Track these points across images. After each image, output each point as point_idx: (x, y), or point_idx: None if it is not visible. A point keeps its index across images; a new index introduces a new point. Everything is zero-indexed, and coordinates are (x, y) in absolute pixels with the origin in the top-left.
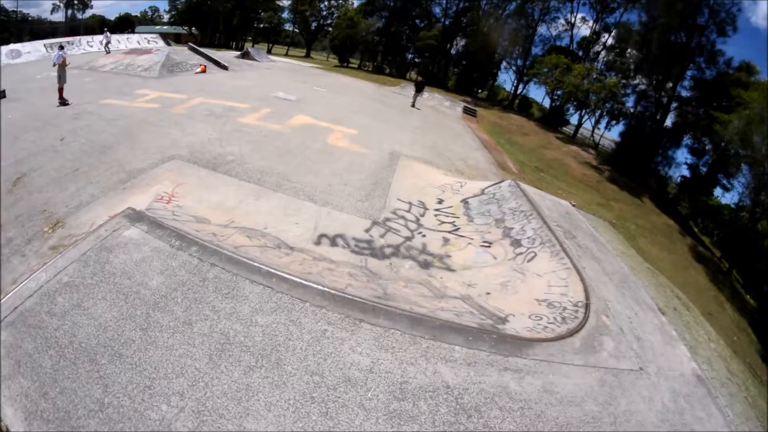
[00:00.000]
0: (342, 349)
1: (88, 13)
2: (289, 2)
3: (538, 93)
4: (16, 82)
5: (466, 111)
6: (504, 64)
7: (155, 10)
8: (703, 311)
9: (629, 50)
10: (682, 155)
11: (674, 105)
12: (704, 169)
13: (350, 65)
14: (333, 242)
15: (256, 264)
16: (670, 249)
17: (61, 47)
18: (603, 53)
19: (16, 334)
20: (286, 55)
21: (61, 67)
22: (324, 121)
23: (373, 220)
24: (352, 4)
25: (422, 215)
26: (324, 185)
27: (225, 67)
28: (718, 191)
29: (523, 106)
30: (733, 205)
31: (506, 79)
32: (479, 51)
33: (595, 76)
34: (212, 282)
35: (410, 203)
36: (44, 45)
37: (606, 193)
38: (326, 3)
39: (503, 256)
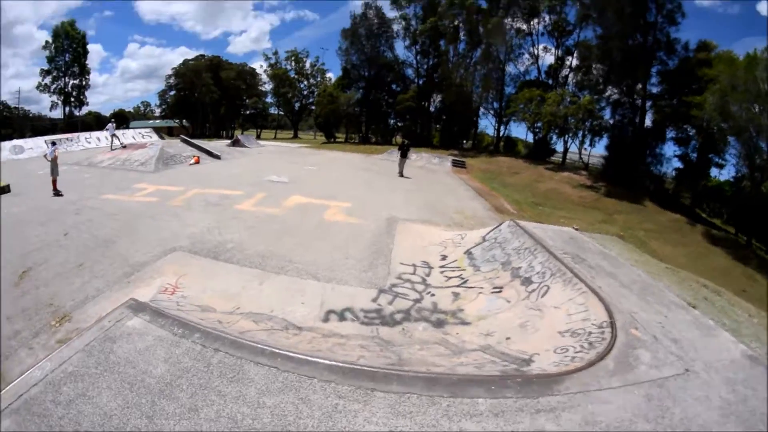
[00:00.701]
0: (356, 421)
1: (85, 110)
2: (271, 87)
3: (520, 130)
4: (20, 177)
5: (455, 164)
6: (482, 110)
7: (147, 105)
8: (735, 291)
9: (594, 65)
10: (670, 149)
11: (649, 104)
12: (694, 155)
13: (337, 140)
14: (341, 317)
15: (259, 346)
16: (684, 242)
17: (53, 143)
18: (570, 75)
19: (20, 421)
20: (275, 138)
21: (54, 161)
22: (318, 198)
23: (379, 289)
24: (330, 80)
25: (428, 275)
26: (326, 261)
27: (217, 156)
28: (714, 171)
29: (508, 147)
30: (731, 179)
31: (487, 125)
32: (456, 102)
33: (568, 99)
34: (217, 367)
35: (414, 265)
36: (44, 141)
37: (606, 208)
38: (306, 83)
39: (516, 297)
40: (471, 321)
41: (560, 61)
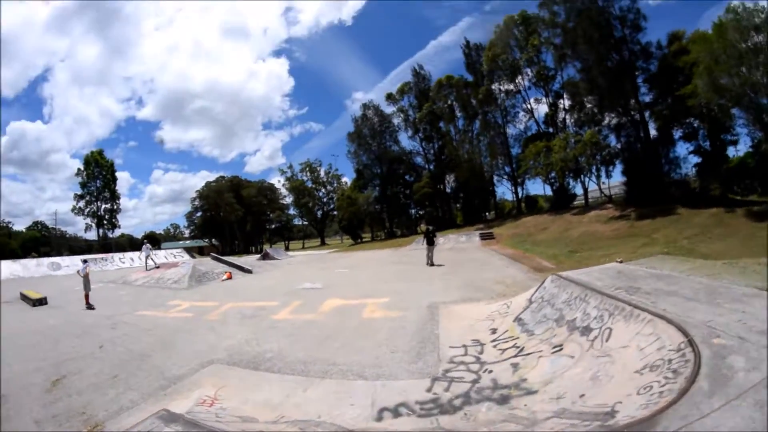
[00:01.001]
0: None
1: (118, 232)
2: (291, 199)
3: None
4: (57, 292)
5: (483, 237)
6: (495, 177)
7: (176, 227)
8: None
9: (585, 99)
10: (682, 149)
11: (648, 114)
12: (707, 144)
13: (364, 240)
14: (396, 413)
15: None
16: (730, 232)
17: (85, 261)
18: (567, 117)
19: None
20: (303, 247)
21: (86, 277)
22: (354, 298)
23: (432, 377)
24: (346, 183)
25: (481, 352)
26: (371, 359)
27: (249, 271)
28: (731, 151)
29: (530, 206)
30: (750, 149)
31: (504, 191)
32: (470, 178)
33: (573, 140)
34: None
35: (465, 346)
36: (80, 260)
37: (643, 231)
38: (323, 190)
39: (579, 350)
40: (537, 389)
41: (553, 107)
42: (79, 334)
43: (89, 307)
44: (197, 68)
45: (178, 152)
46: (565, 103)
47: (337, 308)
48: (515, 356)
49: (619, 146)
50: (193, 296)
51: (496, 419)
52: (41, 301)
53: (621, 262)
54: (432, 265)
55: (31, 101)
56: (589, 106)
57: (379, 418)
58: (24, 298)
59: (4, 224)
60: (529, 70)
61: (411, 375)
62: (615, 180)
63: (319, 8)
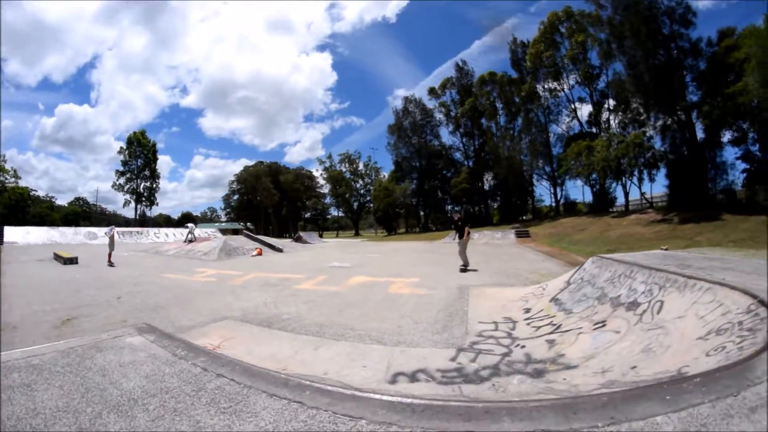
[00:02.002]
0: None
1: (156, 211)
2: (329, 188)
3: (576, 191)
4: (89, 255)
5: (519, 234)
6: (535, 177)
7: (213, 210)
8: None
9: (630, 98)
10: (730, 155)
11: (694, 115)
12: (755, 149)
13: (398, 232)
14: (413, 378)
15: (282, 375)
16: None
17: (110, 224)
18: (611, 118)
19: None
20: (336, 236)
21: (111, 239)
22: (382, 277)
23: (458, 348)
24: (384, 177)
25: (513, 329)
26: (393, 328)
27: (280, 250)
28: None
29: (568, 209)
30: None
31: (543, 192)
32: (509, 176)
33: (616, 141)
34: (209, 393)
35: (495, 322)
36: (116, 232)
37: (685, 235)
38: (361, 182)
39: (626, 325)
40: (577, 363)
41: (597, 106)
42: (100, 287)
43: (110, 264)
44: (241, 59)
45: (219, 139)
46: (610, 103)
47: (363, 283)
48: (551, 333)
49: (663, 149)
50: (220, 266)
51: (530, 392)
52: (72, 260)
53: (666, 249)
54: (465, 270)
55: (79, 86)
56: (634, 105)
57: (393, 381)
58: (56, 257)
59: (47, 198)
60: (573, 68)
61: (435, 345)
62: (657, 190)
63: (364, 5)
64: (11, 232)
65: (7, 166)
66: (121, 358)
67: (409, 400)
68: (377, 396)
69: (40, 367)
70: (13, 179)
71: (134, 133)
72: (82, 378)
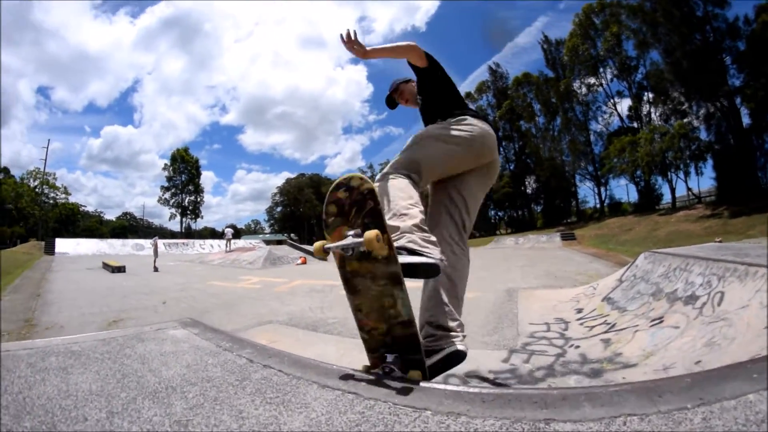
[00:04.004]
0: None
1: (201, 224)
2: None
3: (620, 190)
4: (137, 264)
5: (564, 237)
6: (578, 177)
7: (257, 222)
8: None
9: (669, 87)
10: None
11: (738, 100)
12: None
13: None
14: (464, 381)
15: (336, 367)
16: None
17: (155, 236)
18: (652, 110)
19: None
20: None
21: (155, 247)
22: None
23: (509, 349)
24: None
25: (565, 329)
26: None
27: (323, 258)
28: None
29: (613, 209)
30: None
31: (586, 193)
32: (551, 177)
33: (659, 134)
34: (255, 383)
35: (546, 323)
36: (163, 243)
37: (737, 229)
38: None
39: (685, 320)
40: (636, 362)
41: (637, 99)
42: (147, 293)
43: (155, 269)
44: (277, 76)
45: (260, 154)
46: (649, 95)
47: (410, 288)
48: (606, 332)
49: (709, 139)
50: (265, 274)
51: None
52: (120, 269)
53: (720, 242)
54: None
55: (122, 109)
56: (675, 95)
57: (444, 383)
58: (105, 266)
59: (96, 213)
60: (610, 61)
61: (485, 346)
62: (704, 184)
63: (393, 15)
64: (62, 244)
65: (58, 184)
66: (162, 348)
67: (476, 390)
68: (441, 386)
69: (78, 353)
70: (63, 196)
71: (177, 150)
72: (119, 365)
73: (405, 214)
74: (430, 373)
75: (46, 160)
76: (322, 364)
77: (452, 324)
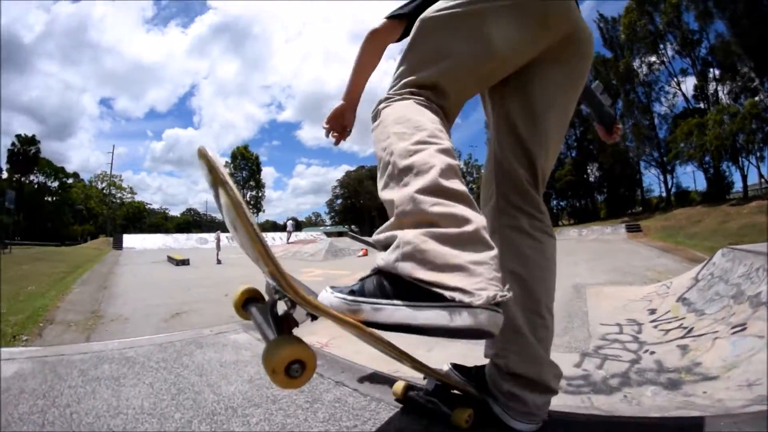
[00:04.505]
0: None
1: (262, 217)
2: None
3: (686, 178)
4: (200, 258)
5: (629, 229)
6: (643, 164)
7: (317, 215)
8: None
9: (737, 61)
10: None
11: None
12: None
13: None
14: None
15: (419, 384)
16: None
17: (218, 230)
18: (719, 88)
19: (33, 370)
20: None
21: (218, 241)
22: None
23: (582, 352)
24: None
25: (639, 332)
26: None
27: None
28: None
29: (680, 198)
30: None
31: (651, 181)
32: (615, 164)
33: (728, 115)
34: (327, 407)
35: (619, 324)
36: (226, 237)
37: None
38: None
39: None
40: (717, 374)
41: (703, 76)
42: (209, 285)
43: (218, 262)
44: (330, 72)
45: (318, 148)
46: (716, 72)
47: None
48: (682, 337)
49: None
50: (327, 266)
51: (669, 406)
52: (184, 262)
53: None
54: None
55: (182, 113)
56: (744, 70)
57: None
58: (170, 259)
59: (162, 210)
60: (670, 36)
61: (557, 348)
62: None
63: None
64: (130, 239)
65: (124, 185)
66: (222, 356)
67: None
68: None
69: (133, 360)
70: (129, 195)
71: (237, 147)
72: (176, 376)
73: (406, 172)
74: None
75: (111, 163)
76: (405, 380)
77: (548, 380)
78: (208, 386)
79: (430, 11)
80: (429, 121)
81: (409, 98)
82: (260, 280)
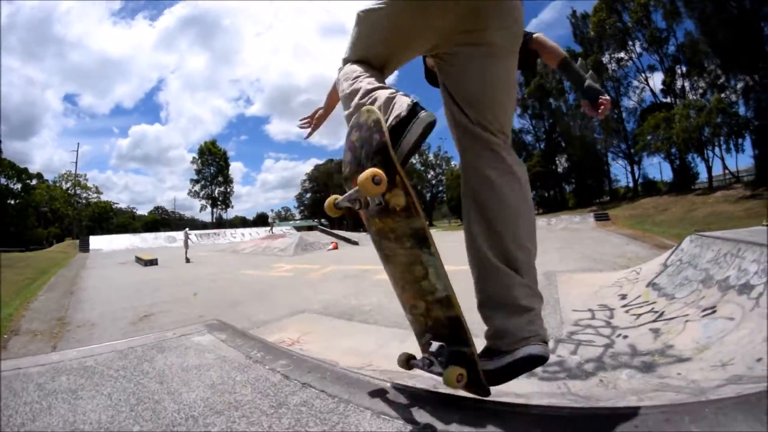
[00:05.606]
0: None
1: (231, 213)
2: None
3: (653, 168)
4: (169, 257)
5: (598, 218)
6: (611, 156)
7: (287, 209)
8: None
9: (704, 60)
10: None
11: None
12: None
13: None
14: None
15: (390, 384)
16: None
17: (186, 228)
18: (686, 84)
19: None
20: None
21: (186, 239)
22: (463, 264)
23: (555, 339)
24: (455, 166)
25: (611, 317)
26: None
27: (355, 243)
28: None
29: (647, 188)
30: None
31: (618, 172)
32: (583, 156)
33: (694, 110)
34: (293, 411)
35: (590, 310)
36: (194, 234)
37: None
38: (432, 172)
39: (741, 311)
40: (690, 355)
41: (670, 73)
42: (178, 285)
43: (187, 260)
44: (300, 66)
45: (287, 143)
46: (683, 69)
47: (448, 272)
48: (654, 321)
49: (748, 115)
50: (297, 261)
51: (645, 388)
52: (152, 262)
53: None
54: None
55: (148, 108)
56: (711, 67)
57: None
58: (138, 260)
59: (129, 209)
60: (639, 34)
61: None
62: (742, 163)
63: None
64: (97, 241)
65: (89, 184)
66: (185, 360)
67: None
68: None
69: (92, 370)
70: (95, 195)
71: (205, 143)
72: (135, 385)
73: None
74: (491, 378)
75: (77, 162)
76: (374, 380)
77: (518, 297)
78: (169, 394)
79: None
80: (360, 67)
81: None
82: (229, 278)
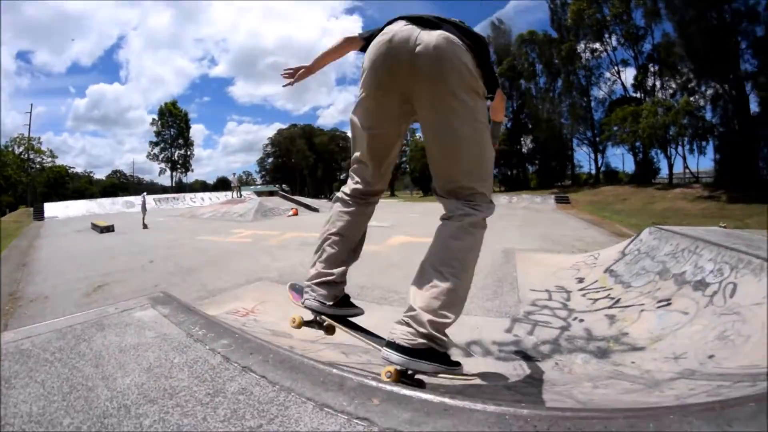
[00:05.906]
0: None
1: (191, 177)
2: None
3: (615, 159)
4: (127, 223)
5: (559, 200)
6: (575, 141)
7: (248, 174)
8: None
9: (679, 63)
10: None
11: (749, 86)
12: None
13: None
14: (467, 352)
15: (336, 371)
16: None
17: (144, 192)
18: (657, 82)
19: None
20: None
21: (143, 204)
22: (423, 237)
23: (512, 318)
24: (420, 137)
25: (567, 299)
26: None
27: (316, 210)
28: None
29: (609, 177)
30: None
31: (582, 159)
32: (548, 139)
33: (662, 108)
34: (230, 400)
35: (548, 290)
36: (153, 199)
37: (735, 215)
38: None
39: (695, 306)
40: (644, 345)
41: (643, 70)
42: (135, 253)
43: (145, 226)
44: (269, 27)
45: (251, 106)
46: (656, 68)
47: (404, 243)
48: (610, 308)
49: (714, 121)
50: (256, 227)
51: (600, 375)
52: (108, 229)
53: (725, 227)
54: None
55: (107, 67)
56: (684, 70)
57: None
58: (94, 227)
59: (86, 173)
60: (618, 29)
61: (487, 313)
62: (702, 165)
63: None
64: (51, 208)
65: (43, 148)
66: (123, 340)
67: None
68: (475, 405)
69: (28, 354)
70: (50, 159)
71: (165, 104)
72: (70, 369)
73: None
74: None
75: (30, 125)
76: (319, 367)
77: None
78: (103, 380)
79: None
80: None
81: (337, 200)
82: (187, 244)
